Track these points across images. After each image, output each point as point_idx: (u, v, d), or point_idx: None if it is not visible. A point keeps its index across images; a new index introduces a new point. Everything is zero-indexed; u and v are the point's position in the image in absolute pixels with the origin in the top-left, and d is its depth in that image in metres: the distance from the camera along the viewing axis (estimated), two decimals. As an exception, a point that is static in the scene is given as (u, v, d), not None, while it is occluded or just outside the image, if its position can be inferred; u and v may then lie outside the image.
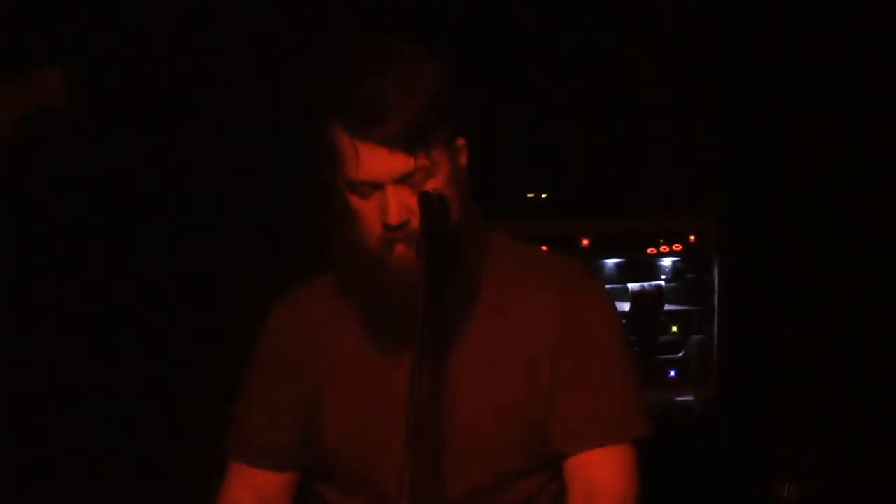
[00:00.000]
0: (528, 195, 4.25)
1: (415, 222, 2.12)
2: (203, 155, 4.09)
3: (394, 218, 2.12)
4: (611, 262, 4.15)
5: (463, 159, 2.24)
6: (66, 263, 3.94)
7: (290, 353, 2.36)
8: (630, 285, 4.13)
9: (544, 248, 3.99)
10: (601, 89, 4.24)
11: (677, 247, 4.13)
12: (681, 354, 4.17)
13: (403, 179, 2.12)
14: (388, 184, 2.12)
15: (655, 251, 4.14)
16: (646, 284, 4.13)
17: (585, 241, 4.12)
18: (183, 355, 4.01)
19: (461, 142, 2.23)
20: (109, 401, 4.00)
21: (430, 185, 2.14)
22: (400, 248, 2.15)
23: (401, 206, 2.12)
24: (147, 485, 3.96)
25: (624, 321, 4.11)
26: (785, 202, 4.25)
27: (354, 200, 2.16)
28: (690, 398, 4.14)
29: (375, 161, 2.11)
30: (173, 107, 4.06)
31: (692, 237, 4.13)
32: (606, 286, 4.04)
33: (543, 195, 4.23)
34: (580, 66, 4.24)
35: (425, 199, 2.08)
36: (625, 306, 4.12)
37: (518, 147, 4.27)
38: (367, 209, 2.15)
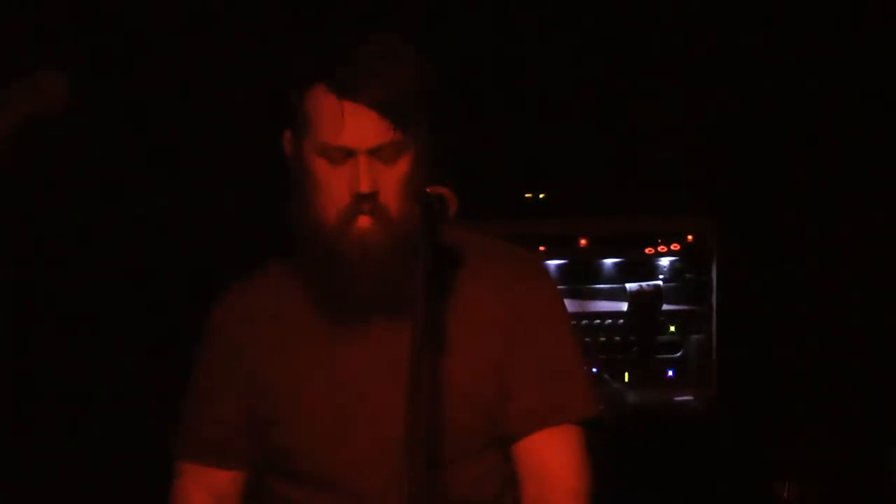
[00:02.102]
0: (527, 195, 4.24)
1: (382, 196, 2.16)
2: (204, 154, 4.09)
3: (366, 186, 2.14)
4: (609, 261, 4.15)
5: (428, 148, 2.26)
6: (66, 263, 3.94)
7: (234, 346, 2.35)
8: (628, 285, 4.13)
9: (542, 248, 4.03)
10: (600, 89, 4.23)
11: (675, 246, 4.14)
12: (679, 354, 4.17)
13: (377, 150, 2.15)
14: (362, 152, 2.15)
15: (654, 251, 4.14)
16: (644, 284, 4.13)
17: (583, 241, 4.12)
18: (184, 355, 3.99)
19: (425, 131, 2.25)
20: (109, 401, 3.99)
21: (400, 165, 2.18)
22: (364, 220, 2.17)
23: (372, 175, 2.15)
24: (147, 484, 3.95)
25: (622, 321, 4.12)
26: (784, 202, 4.25)
27: (322, 167, 2.18)
28: (689, 398, 4.14)
29: (358, 125, 2.14)
30: (173, 105, 4.06)
31: (690, 237, 4.13)
32: (605, 286, 4.10)
33: (542, 195, 4.23)
34: (579, 67, 4.23)
35: (425, 199, 2.08)
36: (623, 306, 4.12)
37: (517, 147, 4.26)
38: (334, 177, 2.17)
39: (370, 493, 2.24)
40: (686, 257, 4.14)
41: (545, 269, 2.43)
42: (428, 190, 2.11)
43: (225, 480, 2.37)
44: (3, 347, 3.83)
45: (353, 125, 2.15)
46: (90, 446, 3.97)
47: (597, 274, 4.14)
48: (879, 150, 4.12)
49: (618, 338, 4.12)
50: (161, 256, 4.06)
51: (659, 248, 4.14)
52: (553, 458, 2.26)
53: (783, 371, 4.22)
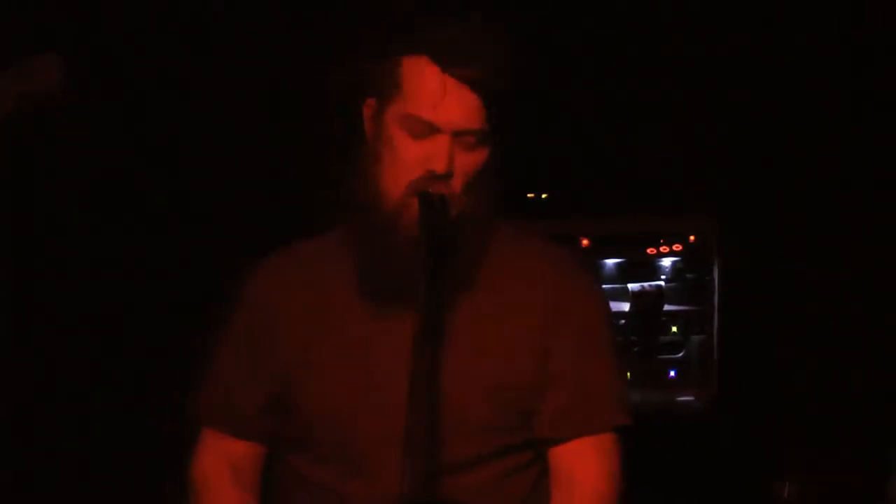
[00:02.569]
0: (529, 195, 4.25)
1: (455, 182, 2.12)
2: (203, 150, 4.09)
3: (442, 166, 2.10)
4: (611, 262, 4.15)
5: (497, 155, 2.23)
6: (65, 261, 3.94)
7: (272, 315, 2.30)
8: (630, 285, 4.13)
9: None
10: (601, 89, 4.24)
11: (677, 247, 4.14)
12: (681, 354, 4.17)
13: (462, 134, 2.12)
14: (448, 132, 2.11)
15: (655, 251, 4.15)
16: (646, 284, 4.13)
17: (585, 242, 4.13)
18: (183, 354, 4.00)
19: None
20: (109, 401, 4.00)
21: (477, 154, 2.15)
22: None
23: (451, 157, 2.11)
24: (147, 484, 3.96)
25: (624, 321, 4.12)
26: (785, 202, 4.25)
27: (401, 138, 2.13)
28: (690, 398, 4.15)
29: (453, 104, 2.10)
30: (174, 103, 4.06)
31: (692, 237, 4.14)
32: (606, 286, 4.10)
33: (544, 195, 4.24)
34: (580, 67, 4.24)
35: (425, 199, 2.09)
36: (625, 306, 4.13)
37: (519, 147, 4.26)
38: (412, 150, 2.13)
39: (395, 480, 2.21)
40: (688, 257, 4.15)
41: (593, 271, 2.38)
42: (430, 189, 2.11)
43: (244, 452, 2.34)
44: (3, 347, 3.84)
45: (449, 103, 2.10)
46: (90, 447, 3.97)
47: (599, 274, 4.14)
48: (879, 150, 4.12)
49: (620, 338, 4.12)
50: (161, 256, 4.07)
51: (661, 249, 4.14)
52: (585, 466, 2.23)
53: (784, 371, 4.22)
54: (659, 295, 4.13)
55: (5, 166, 3.60)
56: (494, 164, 2.20)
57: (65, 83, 3.36)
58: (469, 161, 2.14)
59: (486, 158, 2.16)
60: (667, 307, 4.15)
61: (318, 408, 2.24)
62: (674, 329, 4.17)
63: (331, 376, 2.23)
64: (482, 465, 2.23)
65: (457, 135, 2.12)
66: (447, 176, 2.11)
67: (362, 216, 2.20)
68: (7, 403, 3.82)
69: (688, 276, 4.17)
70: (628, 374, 4.10)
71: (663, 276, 4.17)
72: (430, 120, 2.11)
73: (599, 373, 2.26)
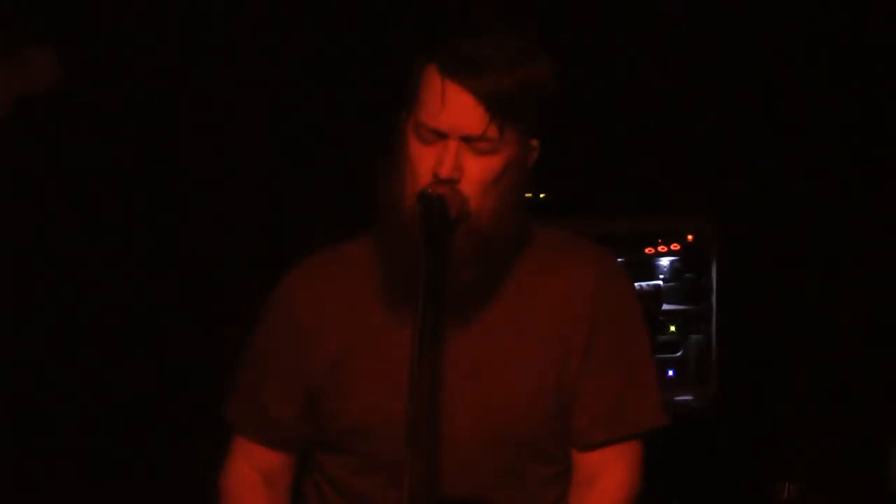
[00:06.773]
0: (526, 195, 4.24)
1: (464, 186, 2.14)
2: (204, 150, 4.09)
3: (445, 171, 2.12)
4: (609, 261, 4.14)
5: (531, 159, 2.25)
6: (66, 260, 3.94)
7: (307, 323, 2.31)
8: (628, 285, 4.12)
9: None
10: (601, 89, 4.23)
11: (675, 246, 4.14)
12: (679, 354, 4.17)
13: (469, 140, 2.14)
14: (453, 138, 2.13)
15: (653, 251, 4.14)
16: (644, 284, 4.13)
17: (583, 241, 4.12)
18: (184, 354, 4.01)
19: (535, 143, 2.23)
20: (109, 401, 3.99)
21: (490, 161, 2.15)
22: None
23: (456, 162, 2.13)
24: (147, 485, 3.96)
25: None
26: (784, 201, 4.26)
27: (414, 145, 2.16)
28: (689, 398, 4.14)
29: (454, 110, 2.13)
30: (173, 101, 4.06)
31: (690, 237, 4.13)
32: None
33: (541, 195, 4.23)
34: (579, 66, 4.24)
35: (425, 199, 2.09)
36: (623, 306, 4.12)
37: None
38: (423, 156, 2.15)
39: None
40: (686, 257, 4.14)
41: (629, 277, 2.41)
42: (429, 190, 2.11)
43: (276, 461, 2.36)
44: (3, 347, 3.84)
45: (451, 109, 2.13)
46: (90, 446, 3.97)
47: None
48: (879, 149, 4.13)
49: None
50: (161, 256, 4.07)
51: (659, 248, 4.14)
52: (607, 470, 2.25)
53: (782, 371, 4.23)
54: (657, 294, 4.12)
55: (5, 166, 3.60)
56: (520, 170, 2.21)
57: (62, 79, 3.36)
58: (480, 167, 2.16)
59: (502, 165, 2.17)
60: (665, 307, 4.14)
61: (353, 419, 2.25)
62: (672, 328, 4.16)
63: (365, 386, 2.25)
64: (525, 473, 2.25)
65: (464, 140, 2.13)
66: (451, 180, 2.13)
67: (381, 222, 2.22)
68: (7, 403, 3.82)
69: (686, 275, 4.16)
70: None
71: (661, 276, 4.16)
72: (433, 126, 2.14)
73: (642, 375, 2.29)
